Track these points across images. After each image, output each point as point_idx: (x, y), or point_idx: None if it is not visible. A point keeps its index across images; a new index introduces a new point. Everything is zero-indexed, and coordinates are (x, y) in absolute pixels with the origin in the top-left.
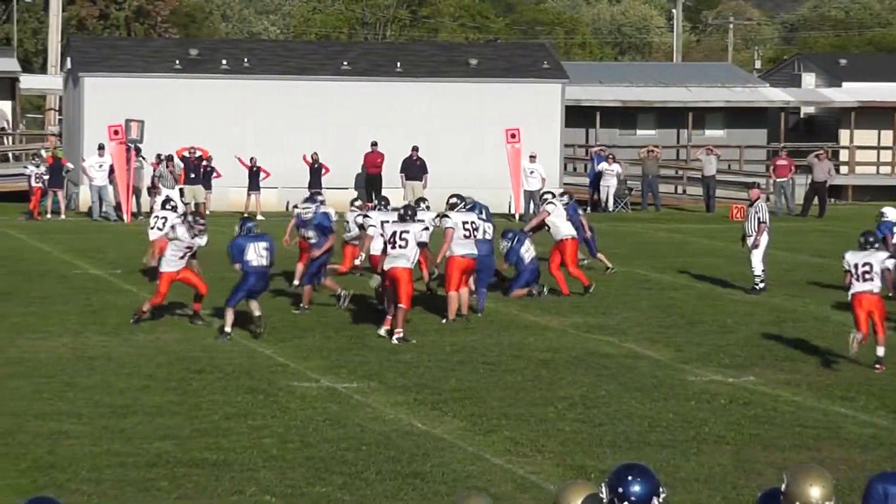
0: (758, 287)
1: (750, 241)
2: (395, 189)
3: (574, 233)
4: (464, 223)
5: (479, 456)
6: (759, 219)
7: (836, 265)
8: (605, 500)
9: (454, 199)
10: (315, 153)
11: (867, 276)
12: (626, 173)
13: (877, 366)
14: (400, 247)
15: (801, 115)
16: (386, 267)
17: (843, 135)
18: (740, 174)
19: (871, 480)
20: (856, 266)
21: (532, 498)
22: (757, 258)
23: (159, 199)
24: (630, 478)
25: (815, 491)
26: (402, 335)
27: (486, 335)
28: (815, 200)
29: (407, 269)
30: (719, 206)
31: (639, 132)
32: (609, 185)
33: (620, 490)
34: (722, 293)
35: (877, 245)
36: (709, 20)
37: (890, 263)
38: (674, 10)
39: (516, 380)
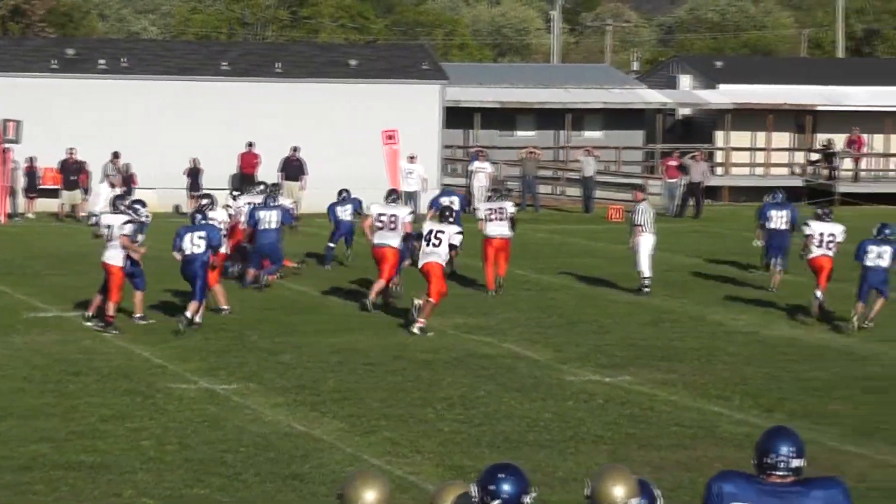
0: (643, 289)
1: (631, 242)
2: None
3: (500, 232)
4: (379, 215)
5: (357, 457)
6: (633, 221)
7: (712, 265)
8: (475, 499)
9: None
10: (195, 159)
11: (830, 244)
12: (506, 174)
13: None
14: (434, 245)
15: (678, 117)
16: (420, 263)
17: (719, 136)
18: (619, 175)
19: (709, 480)
20: (821, 234)
21: (411, 498)
22: (640, 260)
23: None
24: (500, 476)
25: (618, 490)
26: (423, 325)
27: (367, 336)
28: (692, 201)
29: (439, 265)
30: (598, 207)
31: (518, 133)
32: (481, 185)
33: (490, 488)
34: (601, 293)
35: (832, 217)
36: (587, 22)
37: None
38: (552, 13)
39: (396, 380)
